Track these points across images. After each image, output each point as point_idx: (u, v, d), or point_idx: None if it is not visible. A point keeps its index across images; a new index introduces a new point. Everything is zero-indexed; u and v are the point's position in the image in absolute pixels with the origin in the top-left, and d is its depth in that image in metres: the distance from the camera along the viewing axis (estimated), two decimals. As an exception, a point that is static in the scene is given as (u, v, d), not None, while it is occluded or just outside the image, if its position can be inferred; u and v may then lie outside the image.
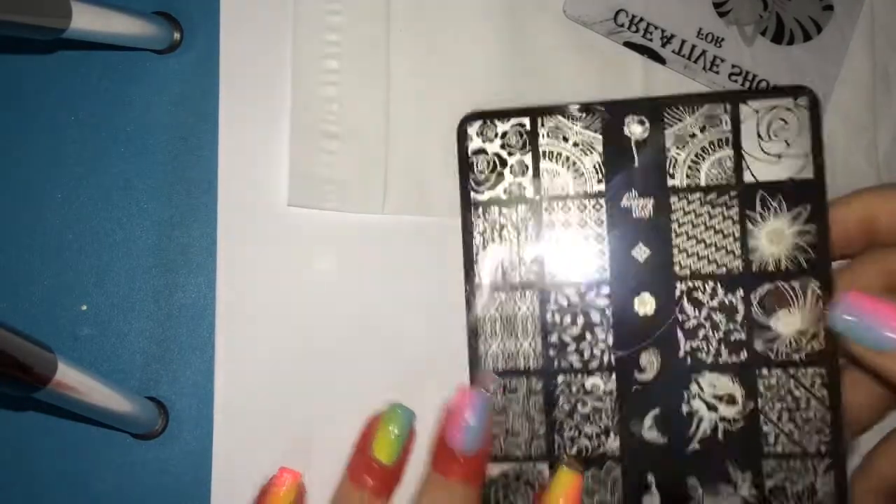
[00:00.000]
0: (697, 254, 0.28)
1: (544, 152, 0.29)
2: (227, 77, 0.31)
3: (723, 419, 0.28)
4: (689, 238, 0.28)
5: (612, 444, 0.28)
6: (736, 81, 0.33)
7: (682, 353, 0.28)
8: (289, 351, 0.31)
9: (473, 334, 0.28)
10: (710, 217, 0.28)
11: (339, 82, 0.31)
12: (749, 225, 0.28)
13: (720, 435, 0.28)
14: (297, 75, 0.31)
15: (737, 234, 0.28)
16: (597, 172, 0.28)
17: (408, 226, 0.31)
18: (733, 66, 0.33)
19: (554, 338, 0.28)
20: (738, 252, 0.28)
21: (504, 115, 0.29)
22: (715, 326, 0.28)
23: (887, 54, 0.34)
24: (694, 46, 0.32)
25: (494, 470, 0.28)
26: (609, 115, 0.29)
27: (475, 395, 0.27)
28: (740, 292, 0.28)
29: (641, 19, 0.32)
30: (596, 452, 0.28)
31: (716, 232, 0.28)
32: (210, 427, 0.30)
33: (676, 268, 0.28)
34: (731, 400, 0.28)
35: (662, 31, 0.32)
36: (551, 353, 0.28)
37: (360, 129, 0.31)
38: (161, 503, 0.30)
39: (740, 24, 0.33)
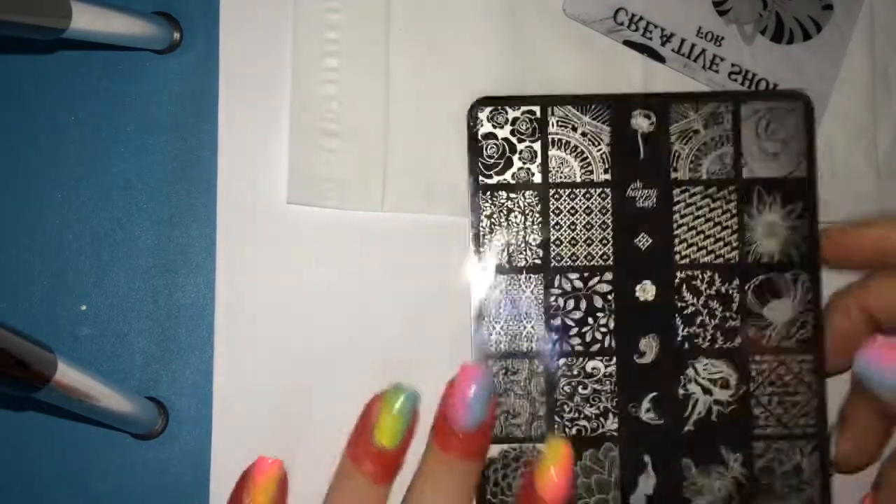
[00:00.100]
0: (697, 244, 0.30)
1: (553, 140, 0.30)
2: (227, 77, 0.31)
3: (717, 402, 0.29)
4: (689, 229, 0.30)
5: (611, 425, 0.29)
6: (735, 80, 0.33)
7: (679, 339, 0.29)
8: (289, 350, 0.31)
9: (478, 316, 0.29)
10: (710, 210, 0.30)
11: (339, 80, 0.31)
12: (746, 218, 0.30)
13: (714, 417, 0.29)
14: (297, 73, 0.31)
15: (734, 227, 0.29)
16: (603, 162, 0.30)
17: (407, 223, 0.31)
18: (733, 65, 0.33)
19: (557, 321, 0.29)
20: (735, 244, 0.29)
21: (515, 101, 0.30)
22: (711, 314, 0.29)
23: (887, 54, 0.34)
24: (693, 45, 0.32)
25: (494, 450, 0.29)
26: (617, 109, 0.30)
27: (477, 371, 0.26)
28: (736, 282, 0.29)
29: (641, 18, 0.32)
30: (595, 433, 0.29)
31: (715, 224, 0.30)
32: (210, 427, 0.30)
33: (676, 257, 0.29)
34: (724, 384, 0.29)
35: (662, 29, 0.32)
36: (554, 336, 0.29)
37: (359, 127, 0.31)
38: (161, 503, 0.30)
39: (740, 23, 0.33)
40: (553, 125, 0.30)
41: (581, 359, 0.29)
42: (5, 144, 0.31)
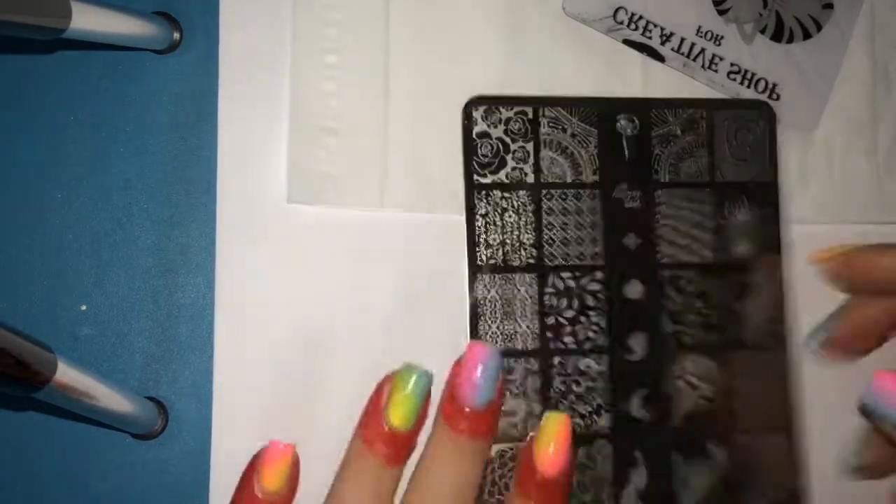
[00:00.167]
0: (678, 244, 0.31)
1: (545, 141, 0.30)
2: (227, 76, 0.31)
3: (702, 398, 0.30)
4: (671, 229, 0.31)
5: (604, 422, 0.30)
6: (735, 80, 0.33)
7: (666, 336, 0.30)
8: (288, 349, 0.31)
9: (474, 315, 0.29)
10: (689, 212, 0.31)
11: (338, 77, 0.31)
12: (720, 220, 0.31)
13: (700, 412, 0.30)
14: (296, 70, 0.31)
15: (711, 228, 0.31)
16: (592, 164, 0.31)
17: (407, 221, 0.31)
18: (732, 65, 0.33)
19: (551, 320, 0.30)
20: (711, 244, 0.31)
21: (508, 102, 0.30)
22: (694, 311, 0.31)
23: (887, 53, 0.34)
24: (693, 44, 0.32)
25: (491, 450, 0.29)
26: (603, 112, 0.31)
27: (485, 348, 0.26)
28: (714, 280, 0.31)
29: (641, 17, 0.32)
30: (588, 431, 0.30)
31: (693, 225, 0.31)
32: (210, 427, 0.30)
33: (661, 257, 0.31)
34: (709, 379, 0.30)
35: (662, 28, 0.32)
36: (548, 334, 0.30)
37: (359, 124, 0.31)
38: (161, 503, 0.30)
39: (739, 23, 0.33)
40: (544, 126, 0.30)
41: (574, 357, 0.30)
42: (5, 144, 0.31)
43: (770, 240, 0.32)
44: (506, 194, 0.30)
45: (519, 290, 0.30)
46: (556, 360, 0.30)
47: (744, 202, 0.31)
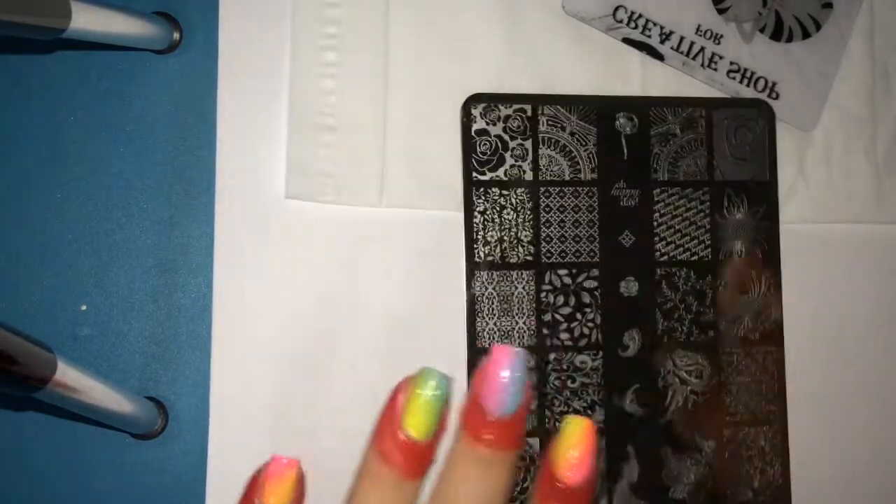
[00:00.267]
0: (675, 243, 0.31)
1: (543, 139, 0.31)
2: (226, 76, 0.31)
3: (692, 392, 0.31)
4: (668, 228, 0.31)
5: (598, 417, 0.30)
6: (734, 78, 0.33)
7: (659, 332, 0.31)
8: (287, 349, 0.31)
9: (472, 311, 0.30)
10: (686, 210, 0.31)
11: (338, 75, 0.31)
12: (717, 219, 0.31)
13: (690, 406, 0.31)
14: (296, 67, 0.31)
15: (707, 227, 0.31)
16: (590, 162, 0.31)
17: (406, 218, 0.31)
18: (731, 63, 0.33)
19: (547, 317, 0.30)
20: (707, 242, 0.31)
21: (507, 99, 0.31)
22: (688, 308, 0.31)
23: (887, 52, 0.34)
24: (693, 43, 0.32)
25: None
26: (602, 110, 0.31)
27: (511, 352, 0.23)
28: (709, 278, 0.31)
29: (640, 15, 0.32)
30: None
31: (690, 223, 0.31)
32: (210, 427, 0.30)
33: (657, 255, 0.31)
34: (699, 375, 0.31)
35: (661, 27, 0.32)
36: (545, 331, 0.30)
37: (357, 122, 0.31)
38: (160, 502, 0.30)
39: (739, 21, 0.33)
40: (543, 124, 0.31)
41: (570, 353, 0.30)
42: (5, 144, 0.31)
43: (766, 239, 0.32)
44: (504, 192, 0.30)
45: (516, 286, 0.30)
46: (552, 356, 0.30)
47: (742, 201, 0.32)
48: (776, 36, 0.33)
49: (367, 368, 0.31)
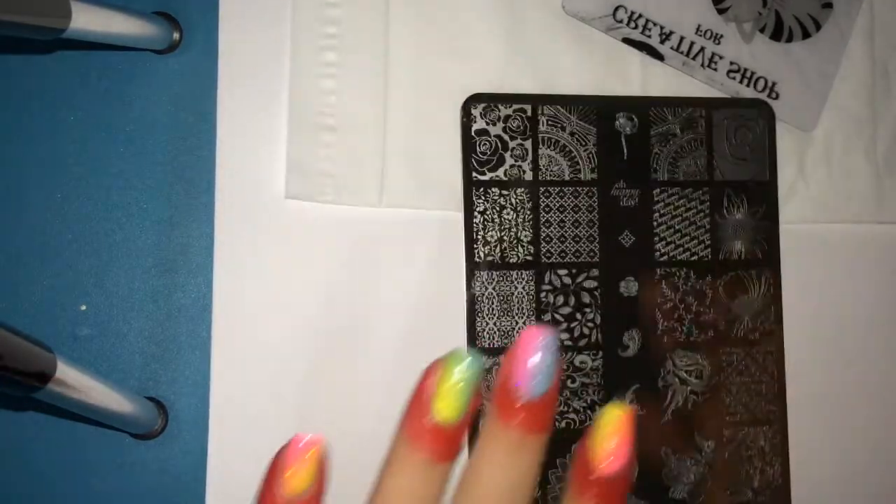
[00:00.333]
0: (674, 243, 0.31)
1: (543, 139, 0.31)
2: (226, 76, 0.31)
3: (692, 392, 0.31)
4: (667, 228, 0.31)
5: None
6: (734, 78, 0.33)
7: (659, 332, 0.31)
8: (286, 348, 0.30)
9: (472, 311, 0.30)
10: (686, 210, 0.31)
11: (338, 75, 0.31)
12: (717, 219, 0.31)
13: (689, 406, 0.31)
14: (296, 67, 0.31)
15: (707, 227, 0.31)
16: (590, 162, 0.31)
17: (406, 218, 0.31)
18: (731, 63, 0.33)
19: (547, 317, 0.30)
20: (707, 242, 0.31)
21: (507, 99, 0.31)
22: (687, 308, 0.31)
23: (887, 52, 0.34)
24: (693, 43, 0.32)
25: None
26: (602, 110, 0.31)
27: (542, 333, 0.23)
28: (708, 278, 0.31)
29: (640, 15, 0.32)
30: (583, 426, 0.30)
31: (690, 223, 0.31)
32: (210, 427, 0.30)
33: (657, 254, 0.31)
34: (699, 375, 0.31)
35: (661, 27, 0.32)
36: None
37: (357, 122, 0.31)
38: (160, 502, 0.30)
39: (739, 21, 0.33)
40: (543, 124, 0.31)
41: (570, 353, 0.30)
42: (5, 144, 0.31)
43: (766, 239, 0.32)
44: (504, 192, 0.30)
45: (516, 286, 0.30)
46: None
47: (742, 201, 0.32)
48: (776, 36, 0.33)
49: (367, 368, 0.31)
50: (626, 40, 0.32)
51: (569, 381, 0.30)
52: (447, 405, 0.22)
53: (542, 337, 0.22)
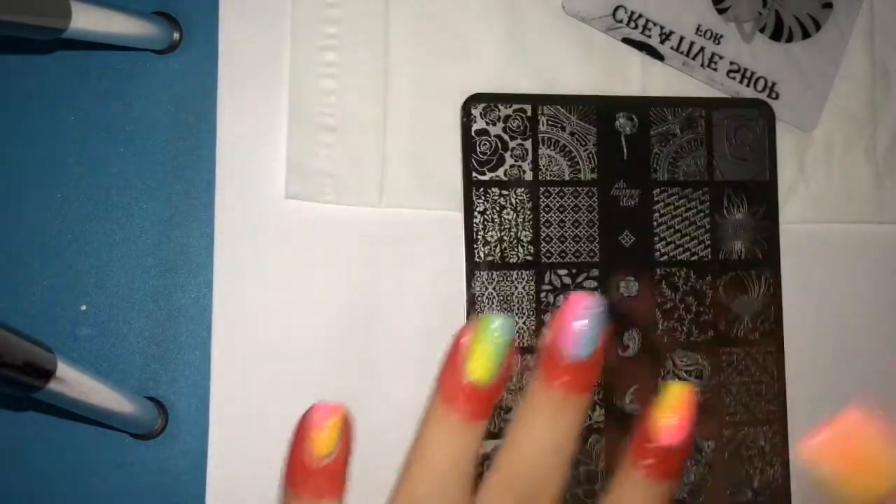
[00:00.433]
0: (674, 243, 0.31)
1: (543, 139, 0.31)
2: (226, 76, 0.31)
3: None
4: (667, 228, 0.31)
5: (598, 417, 0.30)
6: (734, 78, 0.33)
7: (659, 332, 0.31)
8: (286, 348, 0.30)
9: (472, 311, 0.30)
10: (686, 210, 0.31)
11: (338, 75, 0.31)
12: (717, 219, 0.31)
13: None
14: (295, 67, 0.31)
15: (707, 227, 0.31)
16: (590, 162, 0.31)
17: (406, 218, 0.31)
18: (731, 63, 0.33)
19: (547, 316, 0.30)
20: (707, 242, 0.31)
21: (507, 99, 0.31)
22: (687, 308, 0.31)
23: (887, 52, 0.34)
24: (692, 43, 0.32)
25: (489, 446, 0.29)
26: (602, 110, 0.31)
27: (588, 297, 0.24)
28: (708, 278, 0.31)
29: (640, 15, 0.32)
30: (583, 426, 0.29)
31: (690, 223, 0.32)
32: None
33: (656, 254, 0.31)
34: (699, 375, 0.31)
35: (661, 27, 0.32)
36: (544, 331, 0.30)
37: (357, 122, 0.31)
38: (160, 502, 0.30)
39: (739, 21, 0.33)
40: (543, 124, 0.31)
41: None
42: (5, 144, 0.31)
43: (766, 239, 0.32)
44: (504, 192, 0.30)
45: (516, 286, 0.30)
46: None
47: (742, 201, 0.32)
48: (776, 36, 0.33)
49: (367, 367, 0.31)
50: (626, 40, 0.32)
51: None
52: (480, 366, 0.23)
53: (588, 302, 0.24)
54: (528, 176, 0.30)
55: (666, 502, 0.23)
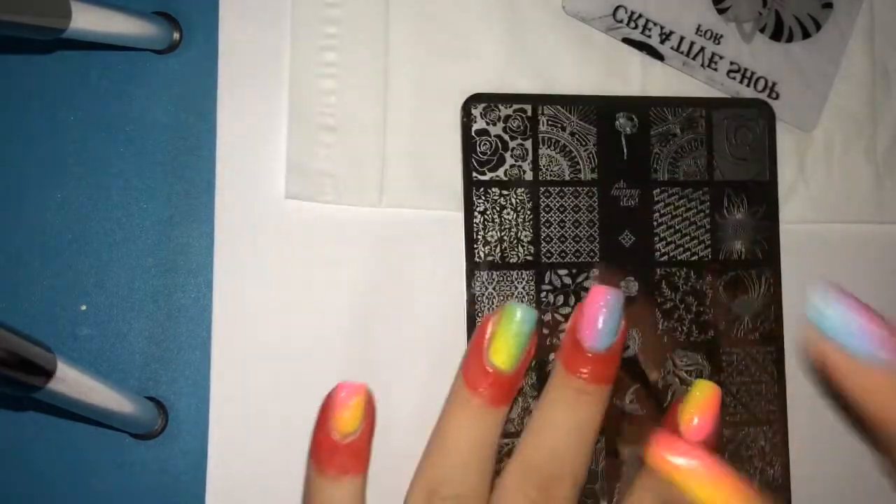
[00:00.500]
0: (675, 243, 0.31)
1: (543, 139, 0.30)
2: (226, 76, 0.31)
3: None
4: (667, 228, 0.31)
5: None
6: (734, 78, 0.33)
7: (659, 332, 0.31)
8: (287, 348, 0.31)
9: (472, 312, 0.30)
10: (686, 210, 0.31)
11: (338, 75, 0.31)
12: (717, 219, 0.31)
13: None
14: (295, 67, 0.31)
15: (707, 227, 0.31)
16: (590, 162, 0.31)
17: (406, 218, 0.31)
18: (731, 63, 0.33)
19: (547, 317, 0.30)
20: (707, 242, 0.31)
21: (507, 99, 0.30)
22: (687, 308, 0.31)
23: (887, 52, 0.34)
24: (693, 43, 0.32)
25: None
26: (602, 110, 0.31)
27: (609, 290, 0.25)
28: (709, 278, 0.31)
29: (640, 15, 0.32)
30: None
31: (690, 223, 0.31)
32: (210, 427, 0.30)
33: (656, 255, 0.31)
34: (699, 375, 0.31)
35: (661, 27, 0.32)
36: (544, 331, 0.30)
37: (357, 122, 0.31)
38: (161, 503, 0.30)
39: (739, 21, 0.33)
40: (543, 124, 0.30)
41: None
42: (5, 144, 0.31)
43: (766, 239, 0.32)
44: (504, 192, 0.30)
45: (516, 286, 0.30)
46: (552, 356, 0.30)
47: (742, 201, 0.32)
48: (776, 36, 0.33)
49: (367, 367, 0.31)
50: (626, 40, 0.32)
51: None
52: (503, 353, 0.24)
53: (609, 295, 0.24)
54: (529, 176, 0.30)
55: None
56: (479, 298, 0.30)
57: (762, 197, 0.32)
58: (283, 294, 0.31)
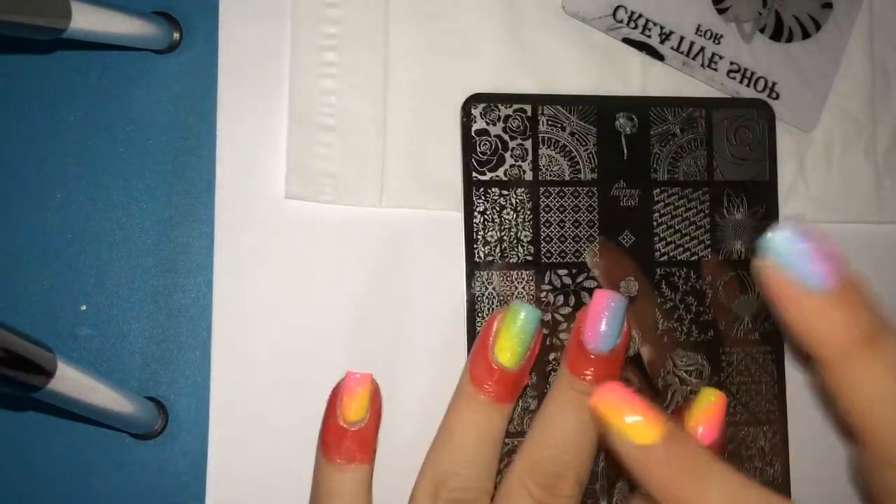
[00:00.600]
0: (674, 243, 0.31)
1: (543, 139, 0.30)
2: (227, 76, 0.31)
3: (692, 392, 0.31)
4: (667, 228, 0.31)
5: None
6: (734, 78, 0.33)
7: (659, 332, 0.31)
8: (287, 348, 0.31)
9: (472, 312, 0.30)
10: (686, 210, 0.31)
11: (338, 75, 0.31)
12: (717, 219, 0.31)
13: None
14: (295, 67, 0.31)
15: (707, 227, 0.31)
16: (590, 162, 0.31)
17: (406, 218, 0.31)
18: (731, 63, 0.33)
19: (547, 317, 0.30)
20: (707, 242, 0.31)
21: (507, 99, 0.30)
22: (687, 308, 0.31)
23: (886, 52, 0.34)
24: (692, 43, 0.32)
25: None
26: (602, 110, 0.31)
27: (611, 295, 0.26)
28: (709, 278, 0.31)
29: (640, 15, 0.32)
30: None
31: (689, 224, 0.31)
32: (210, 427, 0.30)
33: (656, 255, 0.31)
34: (699, 375, 0.31)
35: (661, 27, 0.32)
36: (544, 331, 0.30)
37: (357, 122, 0.31)
38: (161, 503, 0.30)
39: (739, 21, 0.33)
40: (543, 124, 0.30)
41: None
42: (5, 144, 0.31)
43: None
44: (504, 192, 0.30)
45: (516, 286, 0.30)
46: (552, 356, 0.30)
47: (742, 201, 0.32)
48: (776, 36, 0.33)
49: (366, 367, 0.31)
50: (626, 40, 0.32)
51: None
52: (507, 351, 0.25)
53: (612, 299, 0.25)
54: (528, 176, 0.30)
55: None
56: (479, 298, 0.30)
57: (762, 197, 0.32)
58: (284, 294, 0.31)
